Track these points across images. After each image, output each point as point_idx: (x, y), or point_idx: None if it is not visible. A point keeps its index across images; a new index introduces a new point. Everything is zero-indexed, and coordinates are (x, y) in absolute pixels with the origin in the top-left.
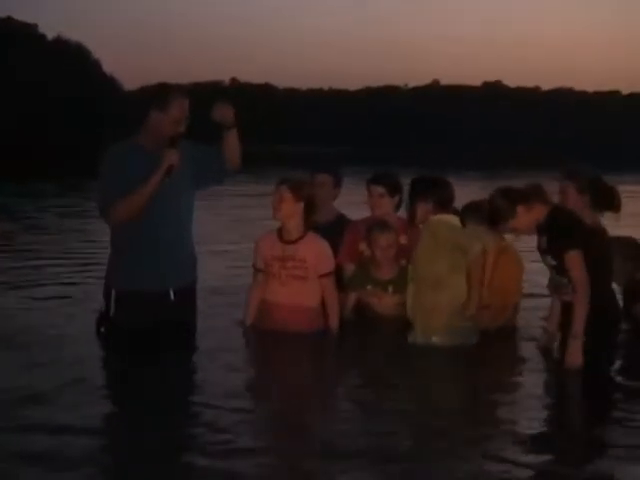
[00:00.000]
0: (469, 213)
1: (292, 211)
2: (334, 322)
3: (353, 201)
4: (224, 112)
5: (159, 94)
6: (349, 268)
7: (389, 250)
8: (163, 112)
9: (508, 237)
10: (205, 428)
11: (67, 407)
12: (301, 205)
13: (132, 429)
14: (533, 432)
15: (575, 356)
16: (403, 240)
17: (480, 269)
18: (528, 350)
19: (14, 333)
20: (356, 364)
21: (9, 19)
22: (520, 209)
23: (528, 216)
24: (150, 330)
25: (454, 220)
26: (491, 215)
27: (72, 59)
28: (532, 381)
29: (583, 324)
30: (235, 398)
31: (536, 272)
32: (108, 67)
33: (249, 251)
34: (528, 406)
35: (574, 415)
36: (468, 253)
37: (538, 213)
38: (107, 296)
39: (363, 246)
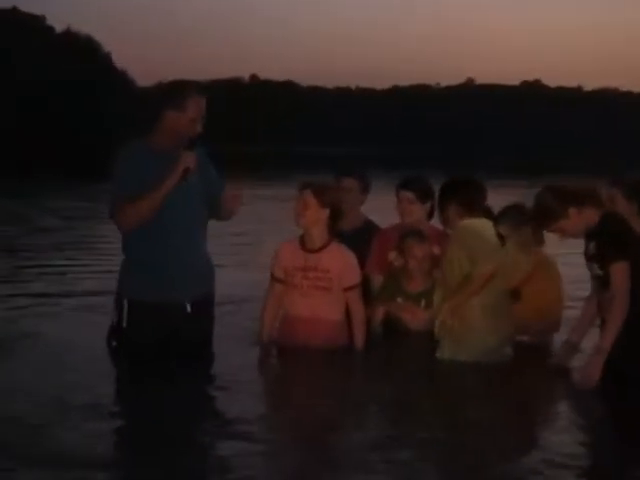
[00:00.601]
0: (505, 217)
1: (316, 218)
2: (359, 338)
3: (381, 207)
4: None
5: (174, 92)
6: (377, 279)
7: (424, 261)
8: (179, 111)
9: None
10: (217, 460)
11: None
12: (326, 211)
13: (140, 459)
14: (572, 459)
15: (593, 372)
16: (436, 250)
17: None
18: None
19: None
20: (382, 384)
21: (14, 10)
22: (572, 211)
23: (579, 219)
24: (164, 344)
25: (483, 225)
26: (539, 214)
27: (82, 53)
28: (566, 402)
29: (612, 340)
30: (248, 424)
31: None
32: (120, 62)
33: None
34: (561, 428)
35: (613, 440)
36: (477, 267)
37: (590, 217)
38: (119, 307)
39: (393, 255)
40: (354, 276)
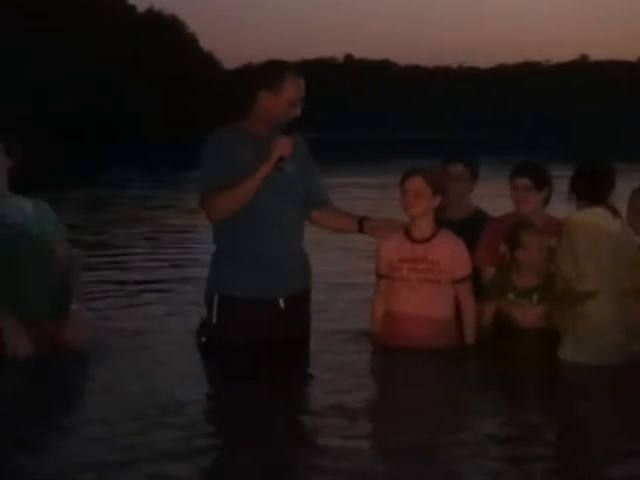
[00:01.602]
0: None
1: (428, 206)
2: (469, 335)
3: (490, 195)
4: None
5: (270, 72)
6: (488, 272)
7: (538, 254)
8: (275, 93)
9: None
10: (318, 459)
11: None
12: (438, 199)
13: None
14: None
15: None
16: (552, 242)
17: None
18: None
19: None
20: (494, 387)
21: None
22: None
23: None
24: (255, 342)
25: (605, 218)
26: None
27: (165, 33)
28: None
29: None
30: (349, 438)
31: None
32: (206, 43)
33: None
34: None
35: None
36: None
37: None
38: (209, 302)
39: (504, 247)
40: (465, 267)
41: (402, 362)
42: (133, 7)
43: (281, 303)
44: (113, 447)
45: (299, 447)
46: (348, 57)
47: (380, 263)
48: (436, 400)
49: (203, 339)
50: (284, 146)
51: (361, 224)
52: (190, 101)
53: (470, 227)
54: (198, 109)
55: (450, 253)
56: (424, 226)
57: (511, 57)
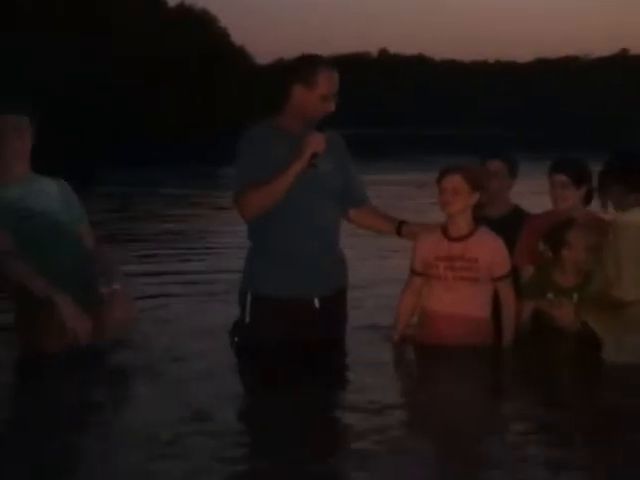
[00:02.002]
0: None
1: (467, 204)
2: (508, 334)
3: (530, 192)
4: None
5: (303, 66)
6: (527, 270)
7: (584, 253)
8: (308, 87)
9: None
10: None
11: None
12: (476, 196)
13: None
14: None
15: None
16: (592, 240)
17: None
18: None
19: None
20: (532, 387)
21: None
22: None
23: None
24: (289, 342)
25: None
26: None
27: (196, 28)
28: None
29: None
30: (384, 439)
31: None
32: (238, 38)
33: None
34: None
35: None
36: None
37: None
38: (242, 301)
39: (544, 246)
40: (505, 264)
41: (438, 361)
42: (164, 2)
43: (316, 303)
44: (147, 451)
45: (334, 448)
46: (382, 52)
47: (415, 260)
48: (471, 400)
49: (236, 339)
50: (317, 142)
51: (399, 227)
52: (220, 97)
53: (509, 224)
54: (230, 104)
55: (488, 251)
56: (461, 224)
57: (550, 51)
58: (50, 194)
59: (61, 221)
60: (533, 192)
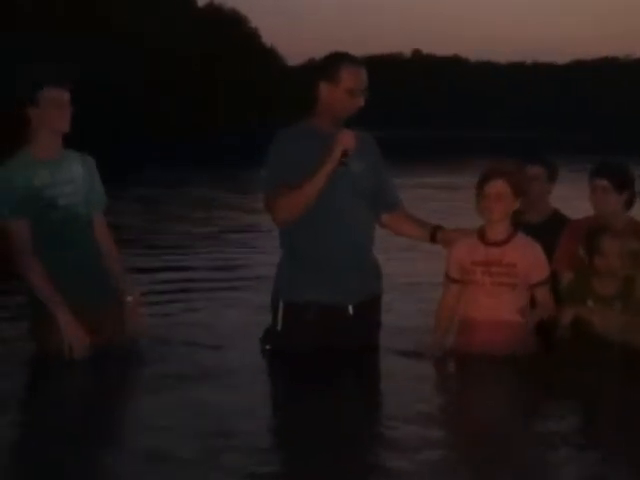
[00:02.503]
0: None
1: (510, 210)
2: (534, 317)
3: (567, 196)
4: None
5: (327, 64)
6: (566, 277)
7: (618, 261)
8: (332, 82)
9: None
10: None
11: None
12: (518, 202)
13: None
14: None
15: None
16: (635, 246)
17: None
18: None
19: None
20: (573, 397)
21: None
22: None
23: None
24: (322, 350)
25: None
26: None
27: (226, 28)
28: None
29: None
30: (423, 446)
31: None
32: (268, 39)
33: None
34: None
35: None
36: None
37: None
38: (274, 308)
39: (583, 252)
40: (543, 270)
41: (479, 371)
42: (193, 1)
43: (350, 310)
44: (180, 459)
45: (371, 457)
46: (416, 52)
47: (451, 266)
48: (510, 409)
49: (268, 347)
50: (347, 139)
51: (434, 234)
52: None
53: (549, 230)
54: (261, 106)
55: (526, 256)
56: (500, 229)
57: (589, 53)
58: (76, 181)
59: (80, 214)
60: (575, 197)
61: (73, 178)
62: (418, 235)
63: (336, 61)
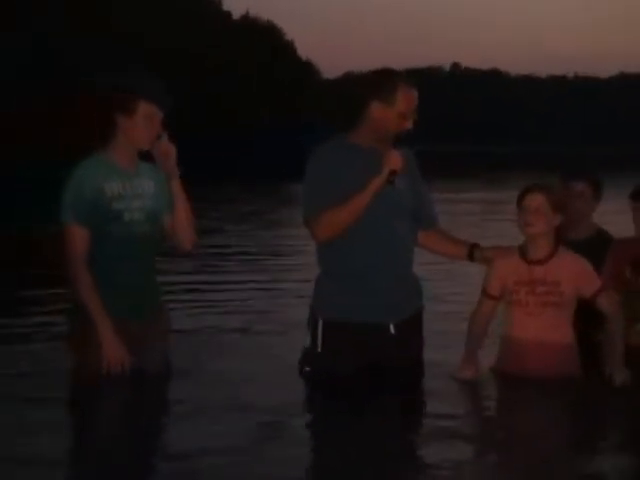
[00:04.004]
0: None
1: (549, 226)
2: (616, 357)
3: (611, 215)
4: None
5: (382, 81)
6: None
7: None
8: (387, 103)
9: None
10: None
11: None
12: (559, 218)
13: None
14: None
15: None
16: None
17: None
18: None
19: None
20: (618, 433)
21: None
22: None
23: None
24: (364, 371)
25: None
26: None
27: (262, 40)
28: None
29: None
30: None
31: None
32: (304, 51)
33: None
34: None
35: None
36: None
37: None
38: (313, 328)
39: (630, 273)
40: (593, 281)
41: (520, 392)
42: (228, 13)
43: (392, 329)
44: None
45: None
46: (455, 66)
47: (492, 282)
48: (555, 439)
49: (307, 368)
50: (396, 159)
51: (471, 252)
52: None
53: (592, 249)
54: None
55: (571, 272)
56: (541, 245)
57: (633, 66)
58: (144, 197)
59: (142, 231)
60: (616, 212)
61: (143, 193)
62: (455, 253)
63: (392, 81)
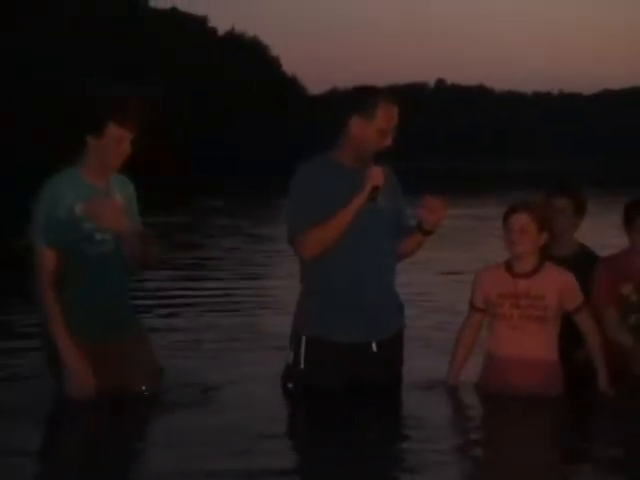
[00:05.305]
0: None
1: (535, 245)
2: (603, 374)
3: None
4: None
5: (362, 98)
6: (609, 314)
7: None
8: (367, 119)
9: None
10: None
11: None
12: (544, 237)
13: None
14: None
15: None
16: None
17: None
18: None
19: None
20: (622, 446)
21: (174, 10)
22: None
23: None
24: (346, 388)
25: None
26: None
27: (247, 56)
28: None
29: None
30: None
31: None
32: (289, 67)
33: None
34: None
35: None
36: None
37: None
38: (296, 344)
39: (628, 289)
40: (576, 296)
41: (504, 407)
42: (213, 29)
43: (374, 347)
44: None
45: None
46: (440, 82)
47: (477, 295)
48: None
49: (290, 385)
50: (377, 176)
51: (419, 226)
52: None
53: (577, 265)
54: (284, 136)
55: (556, 286)
56: (528, 262)
57: (616, 82)
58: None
59: (112, 249)
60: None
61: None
62: (414, 240)
63: (373, 97)
